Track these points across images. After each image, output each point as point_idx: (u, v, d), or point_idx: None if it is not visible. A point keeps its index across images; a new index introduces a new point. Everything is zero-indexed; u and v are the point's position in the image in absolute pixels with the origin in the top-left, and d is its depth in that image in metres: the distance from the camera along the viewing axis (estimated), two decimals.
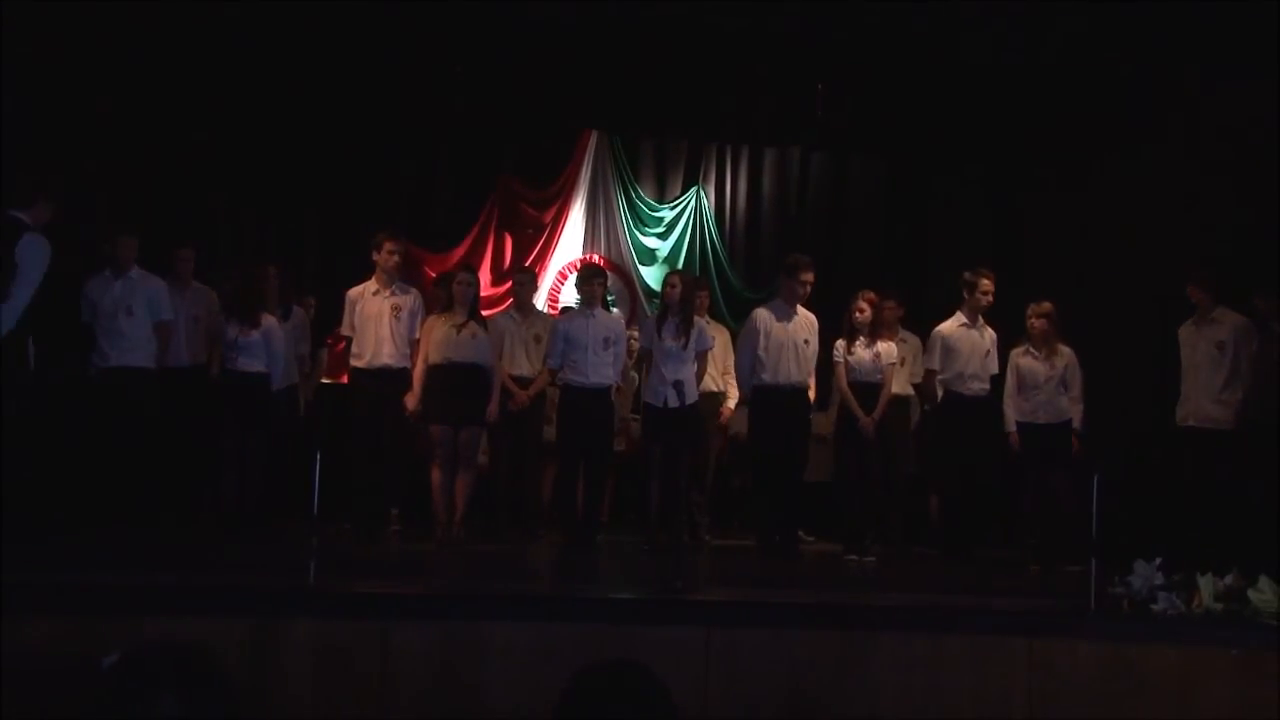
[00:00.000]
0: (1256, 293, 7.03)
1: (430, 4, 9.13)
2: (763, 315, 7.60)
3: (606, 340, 7.59)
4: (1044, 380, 7.52)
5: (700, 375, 7.72)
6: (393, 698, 4.45)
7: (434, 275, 10.45)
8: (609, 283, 10.73)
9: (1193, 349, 7.21)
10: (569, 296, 10.75)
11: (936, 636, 4.83)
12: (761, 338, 7.51)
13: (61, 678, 3.85)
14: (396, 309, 7.48)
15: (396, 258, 7.56)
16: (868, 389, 7.65)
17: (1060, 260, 9.15)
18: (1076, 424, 7.40)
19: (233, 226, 9.50)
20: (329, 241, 9.84)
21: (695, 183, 11.18)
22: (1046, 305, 7.56)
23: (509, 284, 10.65)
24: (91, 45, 8.05)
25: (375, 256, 7.56)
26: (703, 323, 7.70)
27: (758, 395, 7.58)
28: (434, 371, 7.38)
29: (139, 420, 7.21)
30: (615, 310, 9.32)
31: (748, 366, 7.60)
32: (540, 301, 10.55)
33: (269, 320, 7.48)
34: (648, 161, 11.21)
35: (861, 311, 7.73)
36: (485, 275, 10.66)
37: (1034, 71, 9.03)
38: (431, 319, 7.58)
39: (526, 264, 10.73)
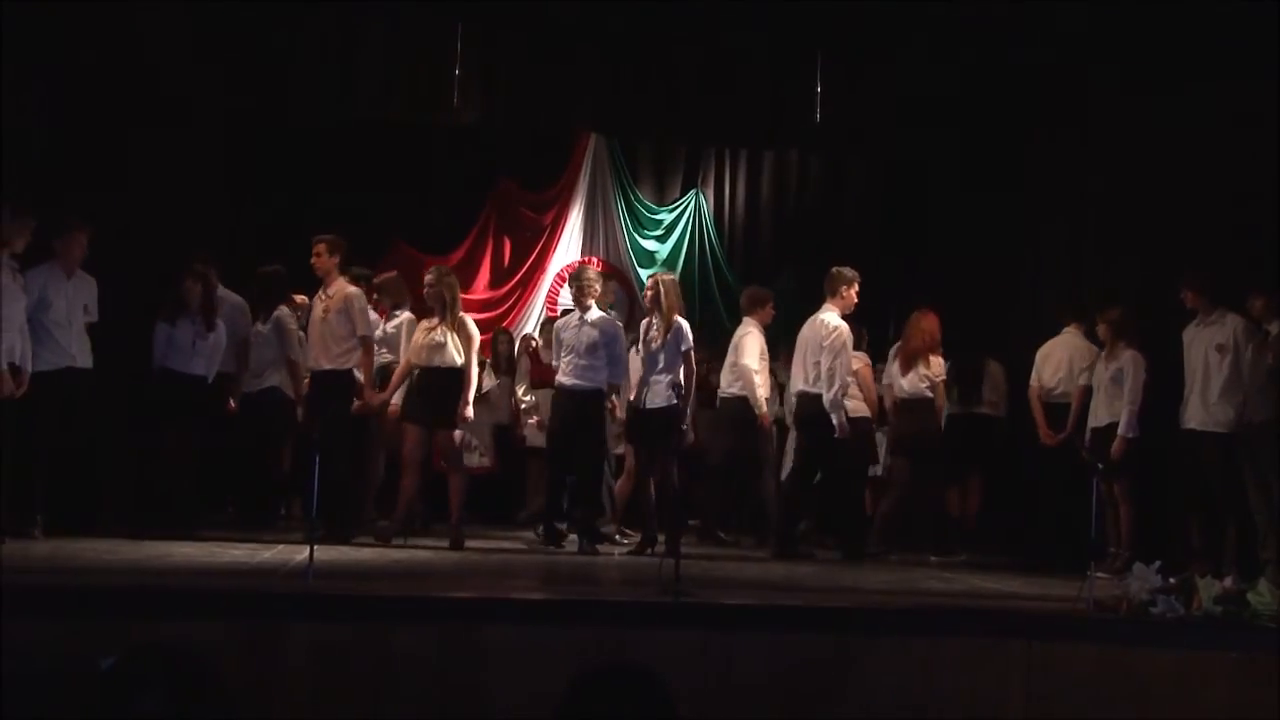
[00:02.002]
0: (1251, 294, 7.02)
1: (429, 5, 9.13)
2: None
3: (595, 343, 7.53)
4: (1099, 384, 7.59)
5: (688, 377, 7.54)
6: (392, 701, 4.45)
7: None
8: (606, 285, 10.81)
9: (1194, 351, 7.19)
10: (568, 299, 10.76)
11: (934, 639, 4.83)
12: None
13: (59, 681, 3.85)
14: (325, 310, 7.49)
15: (313, 259, 7.55)
16: None
17: (1060, 263, 9.15)
18: (1120, 428, 7.39)
19: (229, 228, 9.46)
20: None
21: (694, 185, 11.20)
22: (1111, 311, 7.59)
23: (507, 286, 10.69)
24: (85, 38, 8.04)
25: None
26: (683, 323, 7.54)
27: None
28: (414, 374, 7.45)
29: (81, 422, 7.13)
30: (612, 312, 9.32)
31: (845, 376, 7.71)
32: (539, 304, 10.57)
33: (188, 321, 7.47)
34: (646, 164, 11.23)
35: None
36: (484, 278, 10.68)
37: (1030, 72, 9.03)
38: (422, 323, 7.60)
39: (526, 266, 10.73)
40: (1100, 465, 6.86)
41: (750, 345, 8.28)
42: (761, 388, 8.31)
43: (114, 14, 8.08)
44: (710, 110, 9.83)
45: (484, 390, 9.15)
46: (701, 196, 11.16)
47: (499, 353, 9.60)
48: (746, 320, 8.45)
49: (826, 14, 8.91)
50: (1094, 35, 8.33)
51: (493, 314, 10.37)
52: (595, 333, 7.53)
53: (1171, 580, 5.11)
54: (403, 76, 9.33)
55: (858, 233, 10.96)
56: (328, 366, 7.45)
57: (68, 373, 6.86)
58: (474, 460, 9.10)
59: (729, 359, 8.45)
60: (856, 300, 7.84)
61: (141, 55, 8.46)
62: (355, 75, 9.28)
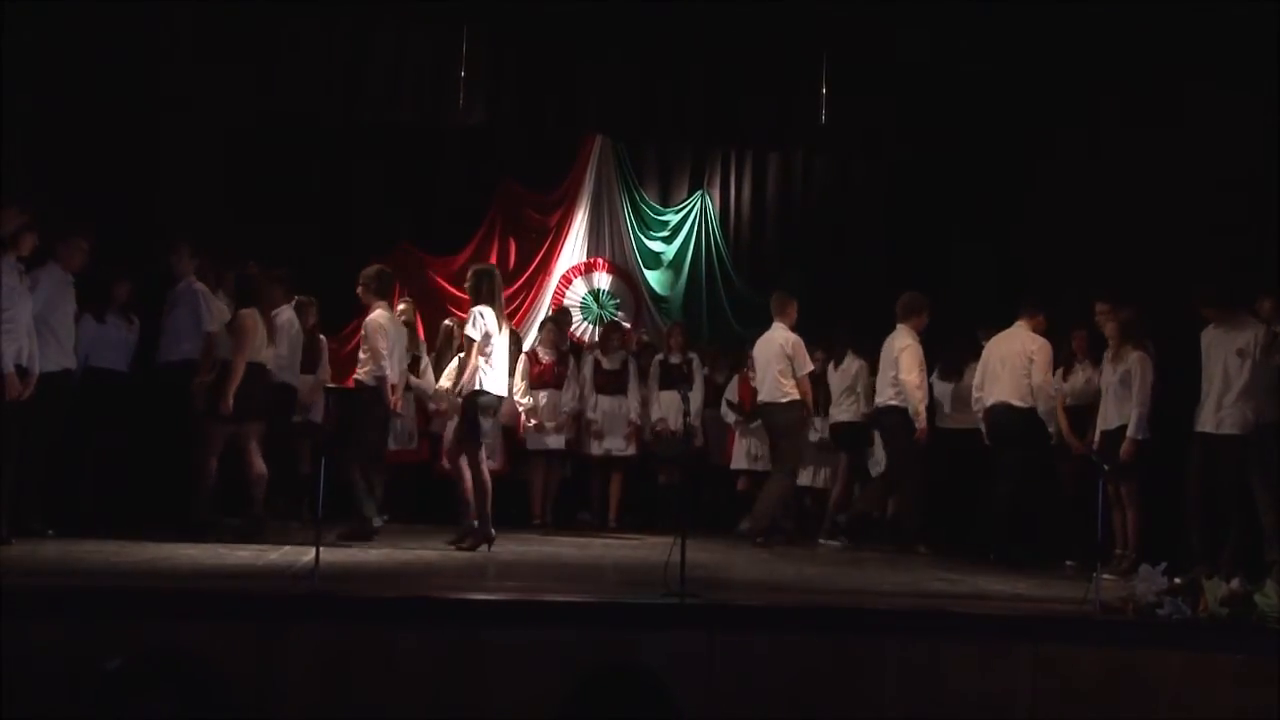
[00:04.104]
0: (1259, 295, 7.00)
1: (434, 6, 9.14)
2: None
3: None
4: (1107, 387, 7.58)
5: (462, 364, 7.35)
6: (396, 701, 4.45)
7: (440, 279, 10.48)
8: (610, 286, 10.82)
9: (1213, 355, 7.12)
10: (573, 300, 10.77)
11: (941, 640, 4.82)
12: None
13: (62, 682, 3.87)
14: (172, 306, 7.60)
15: (173, 256, 7.60)
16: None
17: (1064, 265, 9.13)
18: (1130, 429, 7.36)
19: (235, 230, 9.48)
20: (333, 246, 9.82)
21: (700, 187, 11.19)
22: (1123, 312, 7.58)
23: (513, 288, 10.68)
24: (88, 41, 8.07)
25: None
26: (477, 313, 7.24)
27: None
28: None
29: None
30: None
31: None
32: (544, 305, 10.57)
33: (115, 317, 7.53)
34: (652, 166, 11.22)
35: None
36: None
37: (1036, 75, 9.03)
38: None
39: (531, 268, 10.73)
40: (1106, 467, 6.84)
41: (909, 359, 8.23)
42: (924, 400, 8.27)
43: (121, 15, 8.12)
44: (716, 112, 9.85)
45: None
46: (708, 197, 11.15)
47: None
48: (901, 328, 8.39)
49: (832, 16, 8.92)
50: (1101, 37, 8.32)
51: None
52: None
53: (1176, 581, 5.10)
54: (409, 78, 9.35)
55: (863, 234, 10.96)
56: (174, 359, 7.52)
57: (66, 374, 6.94)
58: None
59: (884, 369, 8.42)
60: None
61: (147, 57, 8.51)
62: (362, 77, 9.31)
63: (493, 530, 7.23)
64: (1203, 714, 4.60)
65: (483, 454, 7.36)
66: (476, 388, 7.18)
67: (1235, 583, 5.13)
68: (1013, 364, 7.92)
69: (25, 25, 7.34)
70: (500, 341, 7.30)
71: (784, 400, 8.31)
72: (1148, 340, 7.47)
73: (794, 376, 8.31)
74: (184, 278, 7.58)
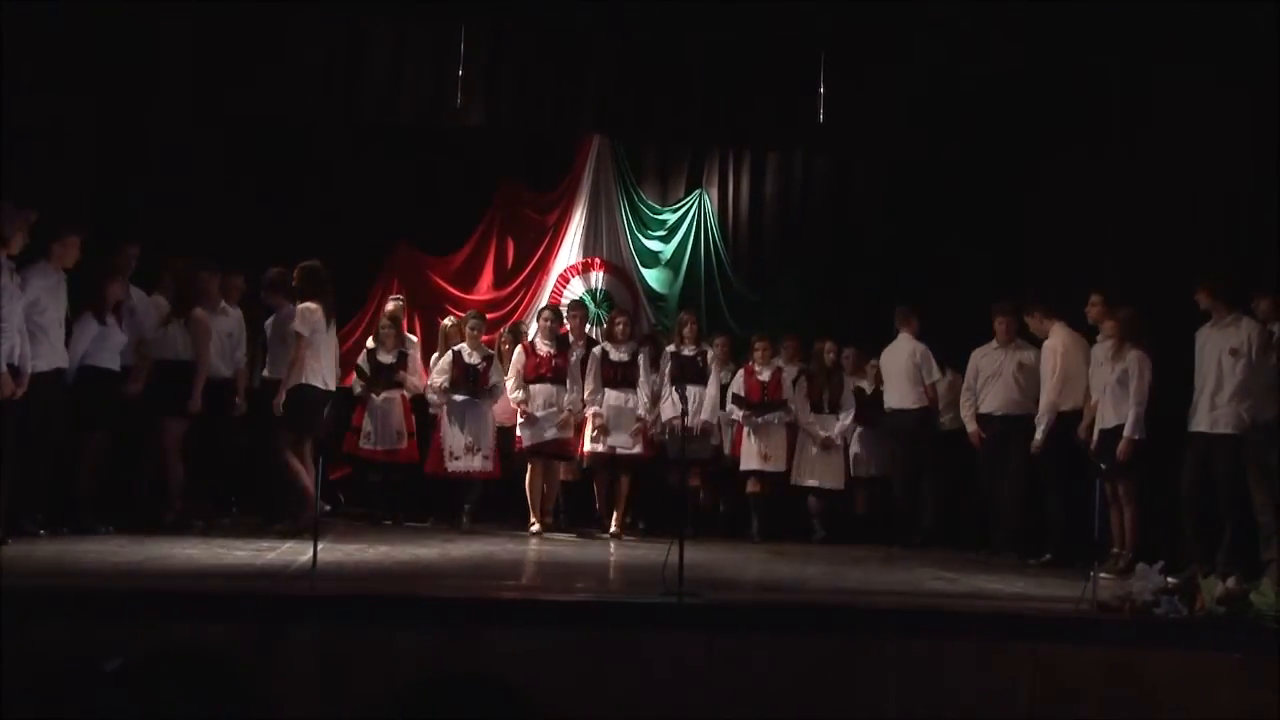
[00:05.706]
0: (1255, 295, 7.01)
1: (433, 5, 9.14)
2: None
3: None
4: (1105, 386, 7.58)
5: (292, 362, 7.42)
6: (395, 700, 4.45)
7: (438, 278, 10.48)
8: (608, 285, 10.82)
9: (1207, 354, 7.14)
10: (571, 299, 10.75)
11: (940, 640, 4.83)
12: None
13: (61, 682, 3.86)
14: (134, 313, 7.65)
15: (124, 261, 7.58)
16: None
17: (1064, 264, 9.14)
18: (1127, 429, 7.36)
19: (233, 230, 9.47)
20: (331, 245, 9.80)
21: (698, 186, 11.17)
22: (1121, 311, 7.60)
23: (511, 287, 10.68)
24: (88, 41, 8.07)
25: None
26: (305, 309, 7.39)
27: None
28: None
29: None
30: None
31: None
32: (542, 303, 10.56)
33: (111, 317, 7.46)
34: (650, 165, 11.20)
35: None
36: (488, 279, 10.67)
37: (1034, 75, 9.03)
38: None
39: (529, 267, 10.73)
40: (1103, 466, 6.85)
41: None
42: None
43: (121, 13, 8.12)
44: (714, 111, 9.84)
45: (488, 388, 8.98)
46: (706, 196, 11.14)
47: (503, 352, 9.48)
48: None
49: (830, 15, 8.92)
50: (1101, 36, 8.33)
51: (497, 314, 10.36)
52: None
53: (1173, 580, 5.12)
54: (408, 78, 9.34)
55: (862, 234, 10.96)
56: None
57: (59, 374, 6.90)
58: (475, 464, 8.86)
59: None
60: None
61: (145, 56, 8.50)
62: (361, 76, 9.30)
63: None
64: (1199, 713, 4.62)
65: (307, 448, 7.53)
66: (302, 381, 7.37)
67: (1232, 581, 5.15)
68: (1082, 368, 7.98)
69: (25, 24, 7.32)
70: (325, 338, 7.51)
71: (914, 407, 8.79)
72: (1144, 339, 7.48)
73: (922, 384, 8.80)
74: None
